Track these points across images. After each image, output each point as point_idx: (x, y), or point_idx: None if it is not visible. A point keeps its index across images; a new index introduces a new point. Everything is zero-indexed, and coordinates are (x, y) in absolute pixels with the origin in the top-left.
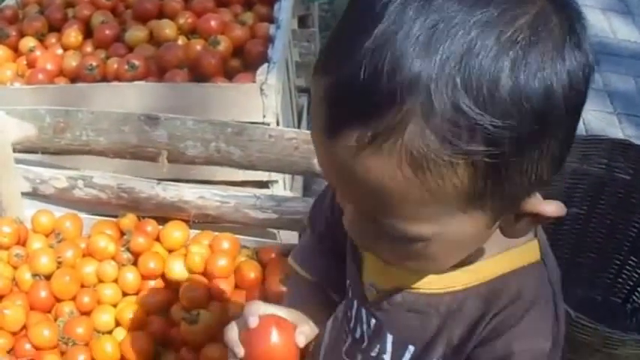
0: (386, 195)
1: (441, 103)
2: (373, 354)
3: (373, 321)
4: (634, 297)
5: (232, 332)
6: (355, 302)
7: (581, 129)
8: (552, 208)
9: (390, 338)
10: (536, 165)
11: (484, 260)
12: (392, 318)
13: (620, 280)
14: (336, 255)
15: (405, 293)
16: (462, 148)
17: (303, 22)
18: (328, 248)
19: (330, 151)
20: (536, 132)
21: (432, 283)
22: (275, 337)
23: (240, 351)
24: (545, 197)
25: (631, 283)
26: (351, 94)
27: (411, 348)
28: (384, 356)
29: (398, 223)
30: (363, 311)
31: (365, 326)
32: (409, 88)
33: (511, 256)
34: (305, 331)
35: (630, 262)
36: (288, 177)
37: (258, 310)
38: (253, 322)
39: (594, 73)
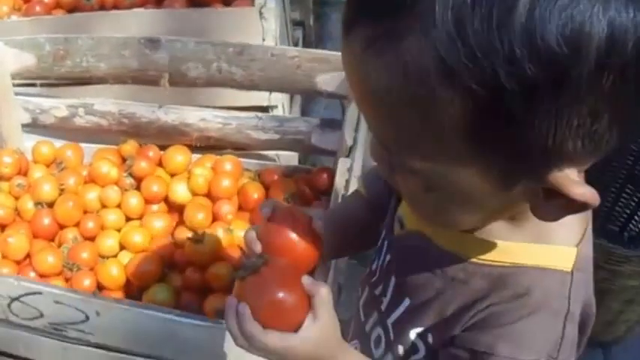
0: (382, 111)
1: (444, 14)
2: (377, 292)
3: (388, 257)
4: (631, 225)
5: (250, 232)
6: (384, 232)
7: None
8: (582, 191)
9: (392, 282)
10: (554, 127)
11: (511, 242)
12: (402, 261)
13: (617, 208)
14: None
15: (424, 241)
16: (458, 73)
17: None
18: None
19: (345, 51)
20: (550, 81)
21: (450, 242)
22: (293, 226)
23: (258, 247)
24: None
25: (628, 211)
26: None
27: (406, 302)
28: (383, 299)
29: (396, 149)
30: (386, 243)
31: (381, 260)
32: None
33: (541, 251)
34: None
35: (627, 190)
36: (286, 102)
37: (274, 204)
38: (266, 212)
39: None
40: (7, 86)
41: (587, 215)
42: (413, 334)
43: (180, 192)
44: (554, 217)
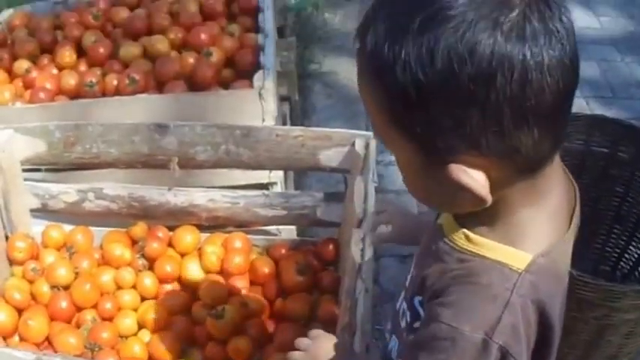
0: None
1: (373, 39)
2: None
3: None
4: (622, 264)
5: None
6: None
7: None
8: (466, 180)
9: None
10: (432, 124)
11: (483, 238)
12: (422, 244)
13: (607, 248)
14: None
15: (438, 228)
16: (381, 75)
17: (280, 32)
18: None
19: None
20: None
21: (448, 230)
22: None
23: None
24: None
25: (618, 251)
26: None
27: (413, 273)
28: (407, 277)
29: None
30: None
31: None
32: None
33: (501, 250)
34: None
35: (615, 230)
36: (282, 178)
37: None
38: None
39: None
40: (17, 173)
41: (557, 237)
42: (416, 301)
43: (193, 271)
44: (463, 206)
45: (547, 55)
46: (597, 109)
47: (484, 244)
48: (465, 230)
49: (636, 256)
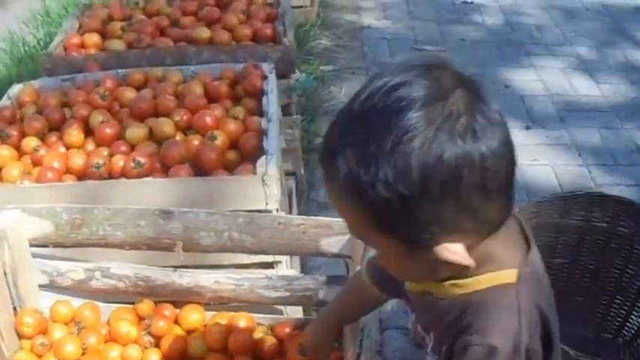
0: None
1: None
2: (420, 340)
3: (413, 315)
4: (624, 331)
5: None
6: (404, 301)
7: (554, 184)
8: (453, 257)
9: (421, 327)
10: (417, 222)
11: (466, 279)
12: (422, 312)
13: (609, 317)
14: None
15: (429, 295)
16: (363, 192)
17: (284, 110)
18: None
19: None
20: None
21: (438, 291)
22: None
23: None
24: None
25: (620, 320)
26: None
27: (432, 334)
28: (427, 341)
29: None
30: (408, 307)
31: (411, 319)
32: None
33: (492, 276)
34: None
35: (617, 300)
36: (288, 257)
37: None
38: None
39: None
40: (25, 250)
41: (522, 248)
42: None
43: (198, 348)
44: (445, 274)
45: (496, 142)
46: (599, 177)
47: (471, 283)
48: (450, 282)
49: (637, 324)
